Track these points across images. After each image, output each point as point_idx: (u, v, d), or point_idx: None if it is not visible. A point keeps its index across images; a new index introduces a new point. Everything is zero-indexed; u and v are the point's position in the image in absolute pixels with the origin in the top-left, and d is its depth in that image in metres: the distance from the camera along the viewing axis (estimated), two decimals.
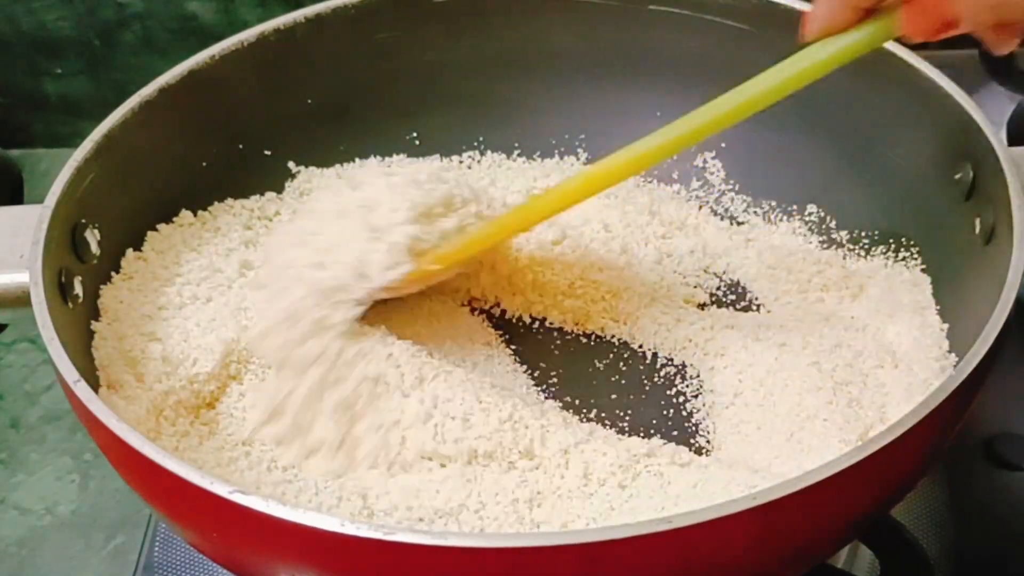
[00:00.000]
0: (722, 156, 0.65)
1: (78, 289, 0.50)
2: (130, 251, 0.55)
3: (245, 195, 0.61)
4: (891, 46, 0.56)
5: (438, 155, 0.66)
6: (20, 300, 0.49)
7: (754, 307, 0.58)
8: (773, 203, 0.63)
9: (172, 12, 0.79)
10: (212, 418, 0.51)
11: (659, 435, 0.51)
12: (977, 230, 0.50)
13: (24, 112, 0.85)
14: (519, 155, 0.66)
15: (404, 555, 0.35)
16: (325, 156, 0.64)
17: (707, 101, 0.64)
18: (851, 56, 0.43)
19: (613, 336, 0.57)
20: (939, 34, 0.40)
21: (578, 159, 0.66)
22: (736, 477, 0.46)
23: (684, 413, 0.53)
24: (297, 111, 0.63)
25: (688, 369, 0.55)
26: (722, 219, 0.63)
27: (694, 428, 0.52)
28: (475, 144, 0.66)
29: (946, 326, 0.53)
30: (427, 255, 0.50)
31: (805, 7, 0.58)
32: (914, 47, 0.55)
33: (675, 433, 0.52)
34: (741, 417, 0.51)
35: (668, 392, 0.54)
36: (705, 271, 0.60)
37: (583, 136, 0.66)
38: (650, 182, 0.65)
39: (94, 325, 0.50)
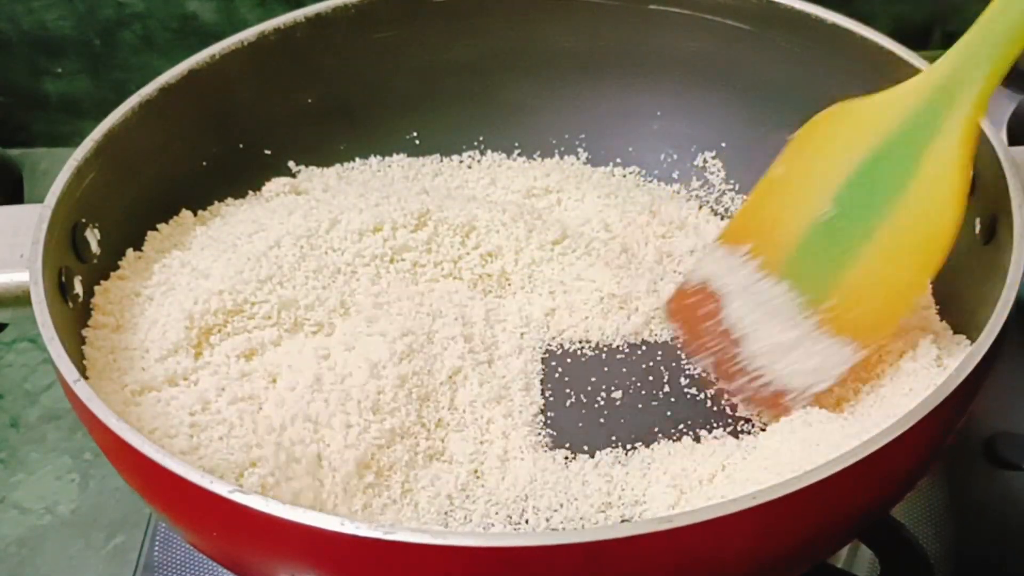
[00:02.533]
0: (722, 156, 0.65)
1: (78, 289, 0.50)
2: (130, 251, 0.55)
3: (245, 195, 0.61)
4: (891, 46, 0.56)
5: (438, 155, 0.66)
6: (20, 300, 0.49)
7: None
8: None
9: (172, 12, 0.79)
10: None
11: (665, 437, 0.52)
12: (977, 230, 0.50)
13: (24, 112, 0.85)
14: (519, 155, 0.66)
15: (404, 555, 0.35)
16: (325, 156, 0.64)
17: (707, 101, 0.65)
18: None
19: (612, 335, 0.57)
20: None
21: (578, 159, 0.66)
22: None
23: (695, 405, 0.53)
24: (297, 111, 0.63)
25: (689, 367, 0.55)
26: (722, 219, 0.63)
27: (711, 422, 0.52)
28: (475, 144, 0.66)
29: (946, 326, 0.53)
30: None
31: (805, 7, 0.59)
32: (914, 47, 0.55)
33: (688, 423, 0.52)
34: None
35: (671, 388, 0.54)
36: None
37: (583, 136, 0.66)
38: (650, 182, 0.65)
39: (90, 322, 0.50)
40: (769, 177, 0.45)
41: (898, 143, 0.39)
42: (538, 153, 0.66)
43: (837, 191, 0.40)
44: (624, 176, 0.66)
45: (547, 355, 0.56)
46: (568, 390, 0.54)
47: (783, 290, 0.42)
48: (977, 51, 0.37)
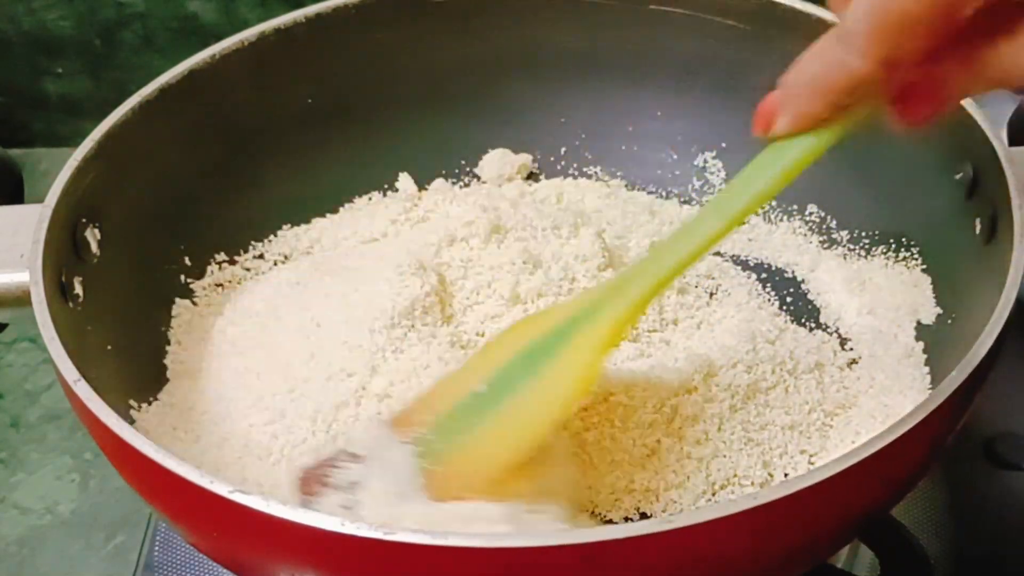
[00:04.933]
0: (722, 156, 0.65)
1: (78, 289, 0.50)
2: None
3: (244, 194, 0.61)
4: None
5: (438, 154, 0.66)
6: (20, 300, 0.49)
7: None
8: (773, 203, 0.63)
9: (172, 12, 0.80)
10: None
11: None
12: (977, 230, 0.50)
13: (24, 111, 0.85)
14: (519, 154, 0.66)
15: (404, 555, 0.35)
16: (325, 156, 0.64)
17: (707, 101, 0.65)
18: (816, 157, 0.40)
19: None
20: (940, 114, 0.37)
21: (579, 159, 0.66)
22: None
23: None
24: (297, 111, 0.63)
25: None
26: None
27: None
28: (475, 144, 0.66)
29: (947, 326, 0.53)
30: None
31: (805, 7, 0.58)
32: None
33: None
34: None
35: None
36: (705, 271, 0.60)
37: (583, 136, 0.66)
38: (650, 182, 0.65)
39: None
40: (448, 375, 0.47)
41: (541, 344, 0.43)
42: (538, 153, 0.66)
43: (492, 375, 0.44)
44: (624, 176, 0.66)
45: None
46: None
47: (405, 453, 0.43)
48: (618, 291, 0.42)
